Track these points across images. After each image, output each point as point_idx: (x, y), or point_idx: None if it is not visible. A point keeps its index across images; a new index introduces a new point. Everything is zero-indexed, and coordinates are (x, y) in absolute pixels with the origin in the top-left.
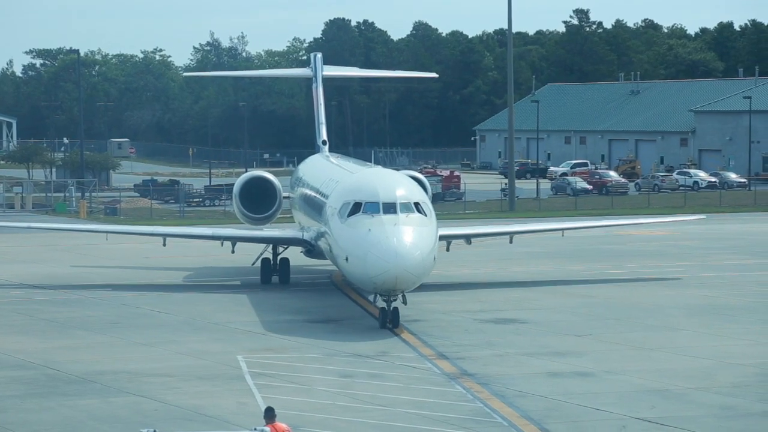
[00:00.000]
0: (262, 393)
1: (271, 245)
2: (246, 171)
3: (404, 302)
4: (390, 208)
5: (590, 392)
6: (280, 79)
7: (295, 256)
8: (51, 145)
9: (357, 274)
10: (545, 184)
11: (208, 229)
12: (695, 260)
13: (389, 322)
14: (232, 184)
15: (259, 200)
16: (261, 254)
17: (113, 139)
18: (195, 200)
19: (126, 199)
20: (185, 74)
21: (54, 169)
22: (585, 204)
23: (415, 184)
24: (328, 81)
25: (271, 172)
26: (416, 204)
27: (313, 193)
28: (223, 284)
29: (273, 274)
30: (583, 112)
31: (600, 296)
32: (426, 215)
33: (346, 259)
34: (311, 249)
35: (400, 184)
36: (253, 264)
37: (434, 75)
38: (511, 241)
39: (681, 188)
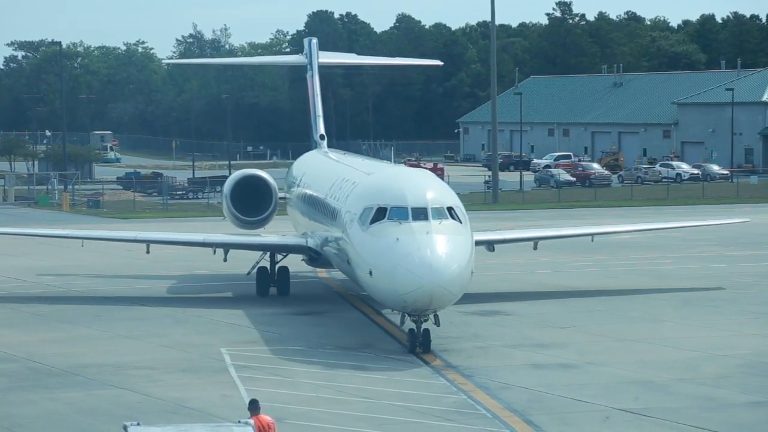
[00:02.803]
0: (246, 385)
1: (269, 253)
2: (229, 163)
3: (437, 323)
4: (420, 213)
5: (574, 384)
6: (264, 72)
7: (293, 264)
8: (33, 137)
9: (383, 290)
10: (529, 177)
11: (198, 235)
12: (680, 252)
13: (419, 346)
14: (216, 177)
15: (253, 201)
16: (257, 263)
17: (96, 132)
18: (178, 193)
19: (109, 191)
20: (166, 62)
21: (36, 162)
22: (568, 196)
23: (446, 185)
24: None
25: (255, 165)
26: (449, 209)
27: (320, 195)
28: (213, 297)
29: (271, 285)
30: (566, 104)
31: (584, 288)
32: (461, 222)
33: (370, 272)
34: (316, 257)
35: (429, 185)
36: (248, 274)
37: (438, 62)
38: (535, 248)
39: (664, 180)
